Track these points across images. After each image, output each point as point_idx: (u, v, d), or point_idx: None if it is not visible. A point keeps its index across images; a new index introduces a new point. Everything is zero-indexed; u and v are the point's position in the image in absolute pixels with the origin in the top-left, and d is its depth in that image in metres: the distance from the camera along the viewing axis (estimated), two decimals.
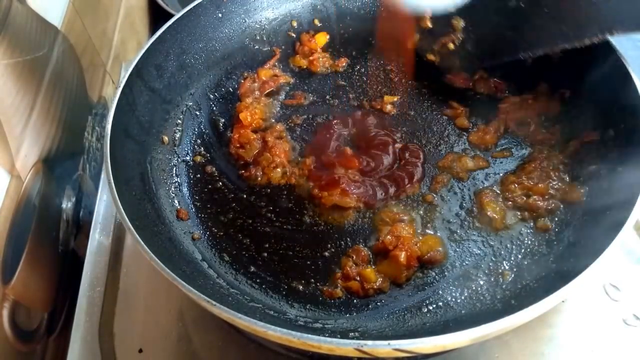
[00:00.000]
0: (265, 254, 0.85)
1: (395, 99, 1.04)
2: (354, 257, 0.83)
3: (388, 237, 0.83)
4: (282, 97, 1.07)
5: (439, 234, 0.85)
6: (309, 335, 0.61)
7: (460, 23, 1.00)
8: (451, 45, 1.01)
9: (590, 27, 0.83)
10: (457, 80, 1.05)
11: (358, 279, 0.80)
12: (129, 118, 0.90)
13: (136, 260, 0.94)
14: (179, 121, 1.01)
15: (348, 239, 0.86)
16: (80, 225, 1.05)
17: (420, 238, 0.84)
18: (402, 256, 0.79)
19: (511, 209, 0.86)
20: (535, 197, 0.86)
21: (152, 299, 0.88)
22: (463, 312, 0.76)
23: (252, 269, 0.84)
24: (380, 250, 0.83)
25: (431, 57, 1.05)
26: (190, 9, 1.01)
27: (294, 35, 1.14)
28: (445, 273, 0.81)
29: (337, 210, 0.88)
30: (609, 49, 0.86)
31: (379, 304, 0.79)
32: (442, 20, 1.03)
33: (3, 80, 0.83)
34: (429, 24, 1.04)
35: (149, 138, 0.94)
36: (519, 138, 0.95)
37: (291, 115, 1.04)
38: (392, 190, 0.89)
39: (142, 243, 0.70)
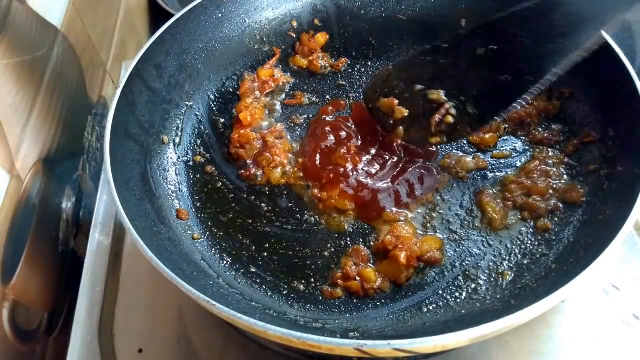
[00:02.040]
0: (265, 254, 0.85)
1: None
2: (354, 257, 0.83)
3: (388, 237, 0.83)
4: (282, 97, 1.07)
5: (438, 234, 0.85)
6: (309, 335, 0.61)
7: (439, 94, 0.88)
8: (449, 118, 0.86)
9: (584, 29, 0.79)
10: None
11: (358, 279, 0.80)
12: (129, 118, 0.90)
13: (136, 260, 0.93)
14: (179, 121, 1.01)
15: (348, 239, 0.86)
16: (80, 225, 1.05)
17: (420, 238, 0.84)
18: (402, 256, 0.79)
19: (511, 209, 0.86)
20: (535, 197, 0.86)
21: (152, 299, 0.88)
22: (463, 312, 0.76)
23: (252, 269, 0.84)
24: (380, 250, 0.83)
25: (435, 140, 0.89)
26: (190, 9, 1.01)
27: (294, 35, 1.14)
28: (445, 273, 0.81)
29: (337, 210, 0.88)
30: (609, 49, 0.86)
31: (379, 304, 0.79)
32: (417, 100, 0.90)
33: (3, 80, 0.83)
34: (404, 112, 0.91)
35: (149, 138, 0.94)
36: (519, 138, 0.96)
37: (291, 115, 1.04)
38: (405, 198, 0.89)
39: (142, 243, 0.70)
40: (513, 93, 0.83)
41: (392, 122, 0.93)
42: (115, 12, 1.33)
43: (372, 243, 0.85)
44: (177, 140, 0.99)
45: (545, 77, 0.80)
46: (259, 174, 0.94)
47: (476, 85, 0.87)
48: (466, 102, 0.87)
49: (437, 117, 0.87)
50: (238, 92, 1.07)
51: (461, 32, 0.93)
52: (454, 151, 0.95)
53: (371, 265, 0.83)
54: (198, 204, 0.92)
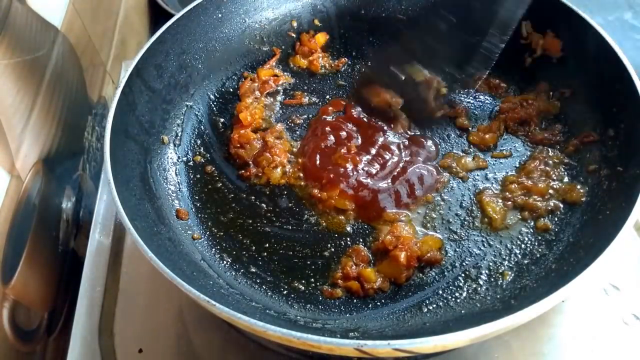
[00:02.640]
0: (265, 254, 0.85)
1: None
2: (354, 257, 0.83)
3: (388, 237, 0.83)
4: (282, 97, 1.07)
5: (438, 234, 0.85)
6: (309, 335, 0.61)
7: (424, 73, 0.95)
8: (443, 90, 0.95)
9: None
10: None
11: (358, 279, 0.80)
12: (129, 118, 0.90)
13: (136, 260, 0.93)
14: (179, 121, 1.01)
15: (348, 239, 0.86)
16: (80, 225, 1.05)
17: (420, 238, 0.84)
18: (402, 256, 0.79)
19: (511, 209, 0.86)
20: (535, 197, 0.86)
21: (152, 299, 0.88)
22: (463, 312, 0.76)
23: (252, 269, 0.84)
24: (380, 250, 0.83)
25: (440, 112, 0.98)
26: (190, 9, 1.01)
27: (294, 35, 1.14)
28: (445, 273, 0.81)
29: (337, 210, 0.88)
30: (609, 50, 0.86)
31: (379, 304, 0.79)
32: (406, 87, 0.97)
33: (3, 80, 0.83)
34: (400, 101, 0.97)
35: (149, 138, 0.94)
36: (519, 138, 0.96)
37: (291, 115, 1.04)
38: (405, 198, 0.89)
39: (142, 243, 0.70)
40: (488, 49, 0.90)
41: (392, 114, 0.98)
42: (115, 12, 1.33)
43: (372, 243, 0.85)
44: (177, 140, 0.99)
45: (511, 27, 0.87)
46: (258, 174, 0.94)
47: (453, 54, 0.94)
48: (451, 71, 0.94)
49: (431, 93, 0.94)
50: (238, 92, 1.07)
51: (415, 16, 1.00)
52: (454, 151, 0.95)
53: (371, 265, 0.83)
54: (198, 204, 0.92)
